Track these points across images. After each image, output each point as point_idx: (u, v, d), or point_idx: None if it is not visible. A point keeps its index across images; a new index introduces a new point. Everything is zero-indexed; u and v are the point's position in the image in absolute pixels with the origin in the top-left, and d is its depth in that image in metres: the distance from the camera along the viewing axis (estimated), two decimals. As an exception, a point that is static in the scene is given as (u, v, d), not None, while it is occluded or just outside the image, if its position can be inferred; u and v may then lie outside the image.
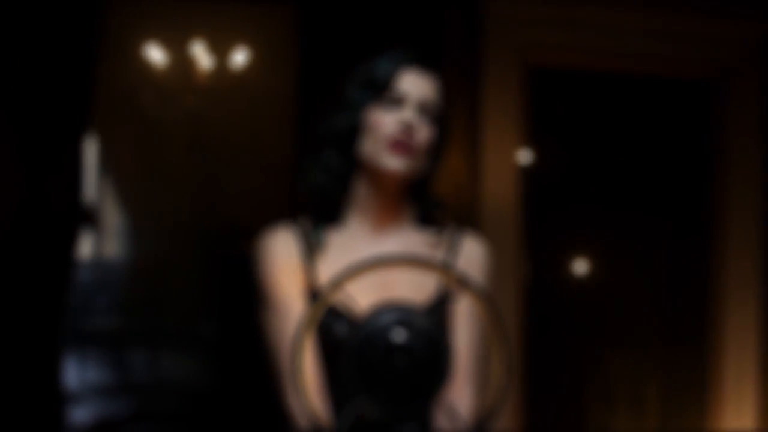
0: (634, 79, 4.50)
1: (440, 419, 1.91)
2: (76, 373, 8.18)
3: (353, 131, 1.96)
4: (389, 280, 1.94)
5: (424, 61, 1.97)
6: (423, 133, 1.92)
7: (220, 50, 7.01)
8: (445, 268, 1.68)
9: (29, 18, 3.79)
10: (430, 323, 1.64)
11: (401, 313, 1.67)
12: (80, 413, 6.85)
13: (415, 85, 1.93)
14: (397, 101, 1.92)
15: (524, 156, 4.04)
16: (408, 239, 2.01)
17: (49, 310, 3.84)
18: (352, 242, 1.98)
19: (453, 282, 1.67)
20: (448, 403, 1.88)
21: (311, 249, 1.96)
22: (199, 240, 4.31)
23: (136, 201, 9.44)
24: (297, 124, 4.00)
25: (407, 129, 1.89)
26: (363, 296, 1.85)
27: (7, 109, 3.73)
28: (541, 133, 4.40)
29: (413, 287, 1.94)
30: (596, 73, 4.49)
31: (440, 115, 1.98)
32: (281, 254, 1.95)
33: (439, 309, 1.94)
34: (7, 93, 3.74)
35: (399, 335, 1.62)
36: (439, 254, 2.01)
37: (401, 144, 1.89)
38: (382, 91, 1.93)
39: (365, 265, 1.66)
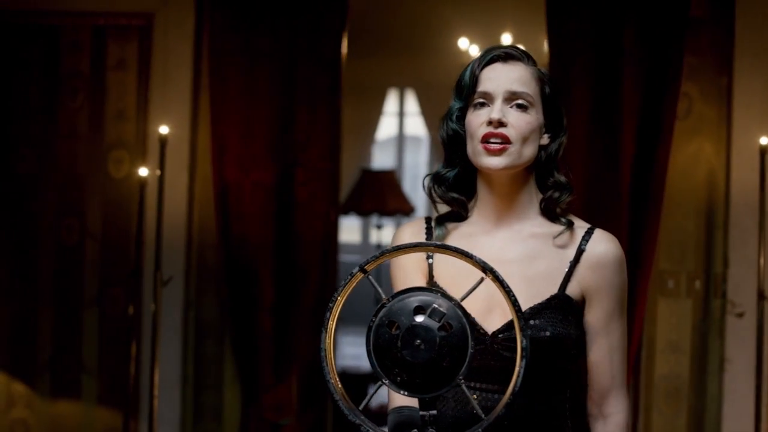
0: None
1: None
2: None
3: (456, 138, 2.02)
4: (505, 273, 1.93)
5: (507, 54, 1.97)
6: (516, 123, 1.92)
7: (528, 41, 7.09)
8: (467, 255, 1.69)
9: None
10: (455, 311, 1.65)
11: (425, 297, 1.70)
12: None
13: (498, 80, 1.94)
14: (485, 100, 1.95)
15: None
16: (524, 232, 2.01)
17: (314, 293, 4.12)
18: (473, 235, 2.03)
19: (477, 267, 1.67)
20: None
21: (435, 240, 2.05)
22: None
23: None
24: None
25: (494, 125, 1.91)
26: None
27: (266, 99, 4.08)
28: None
29: (528, 284, 1.96)
30: None
31: (538, 98, 1.97)
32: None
33: (549, 308, 1.94)
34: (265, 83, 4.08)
35: (416, 318, 1.65)
36: (559, 250, 1.99)
37: (491, 141, 1.91)
38: (470, 96, 1.97)
39: (385, 252, 1.71)
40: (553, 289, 1.95)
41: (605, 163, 3.90)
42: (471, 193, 2.07)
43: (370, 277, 1.77)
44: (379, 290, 1.76)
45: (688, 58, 3.96)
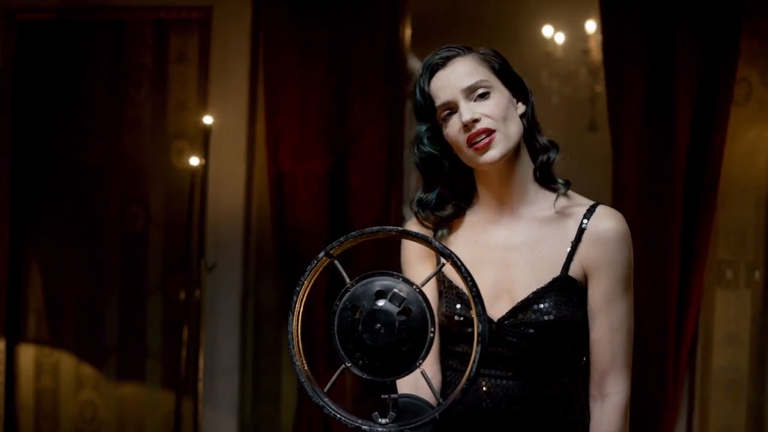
0: None
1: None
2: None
3: (432, 159, 2.03)
4: (510, 259, 1.99)
5: (443, 58, 1.97)
6: (487, 111, 1.93)
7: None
8: (427, 241, 1.69)
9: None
10: (415, 296, 1.66)
11: (386, 281, 1.71)
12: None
13: (448, 85, 1.95)
14: (450, 110, 1.96)
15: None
16: (528, 216, 2.02)
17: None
18: (478, 224, 2.06)
19: (437, 253, 1.67)
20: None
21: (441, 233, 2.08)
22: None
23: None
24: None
25: (469, 127, 1.92)
26: (482, 272, 1.93)
27: (320, 89, 4.12)
28: None
29: (532, 268, 1.97)
30: None
31: (493, 77, 1.97)
32: None
33: (553, 290, 1.94)
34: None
35: (378, 302, 1.67)
36: (562, 231, 1.99)
37: (477, 141, 1.92)
38: (432, 114, 1.99)
39: (350, 237, 1.73)
40: (557, 272, 1.95)
41: (659, 150, 3.81)
42: (468, 192, 2.09)
43: (336, 261, 1.79)
44: (344, 274, 1.78)
45: (748, 42, 3.84)
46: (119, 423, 4.47)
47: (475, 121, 1.91)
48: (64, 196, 4.52)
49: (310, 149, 4.10)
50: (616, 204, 3.93)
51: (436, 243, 1.67)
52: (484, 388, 1.96)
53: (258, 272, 4.35)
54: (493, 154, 1.92)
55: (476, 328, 1.63)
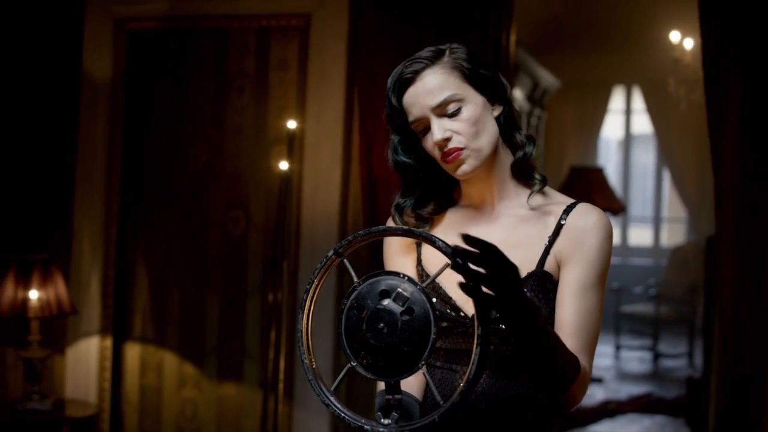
0: None
1: None
2: (610, 356, 8.53)
3: (408, 167, 2.01)
4: None
5: (412, 72, 1.92)
6: (459, 128, 1.90)
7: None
8: (431, 241, 1.67)
9: None
10: (419, 296, 1.65)
11: (391, 281, 1.70)
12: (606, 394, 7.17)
13: (417, 103, 1.91)
14: (424, 124, 1.93)
15: None
16: (508, 213, 2.00)
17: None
18: (458, 222, 2.05)
19: (442, 253, 1.65)
20: None
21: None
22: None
23: (693, 192, 9.47)
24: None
25: (443, 144, 1.90)
26: None
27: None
28: None
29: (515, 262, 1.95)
30: None
31: (464, 85, 1.91)
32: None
33: (527, 286, 1.91)
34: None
35: (382, 302, 1.66)
36: (541, 228, 1.96)
37: (450, 157, 1.91)
38: (405, 127, 1.96)
39: (358, 236, 1.74)
40: (532, 267, 1.92)
41: (760, 157, 3.63)
42: (450, 190, 2.07)
43: (345, 260, 1.80)
44: (353, 273, 1.78)
45: None
46: (218, 421, 4.58)
47: (447, 139, 1.89)
48: (170, 199, 4.67)
49: (402, 154, 4.10)
50: (717, 212, 3.78)
51: (440, 243, 1.65)
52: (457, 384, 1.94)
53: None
54: (465, 168, 1.90)
55: (476, 329, 1.61)
